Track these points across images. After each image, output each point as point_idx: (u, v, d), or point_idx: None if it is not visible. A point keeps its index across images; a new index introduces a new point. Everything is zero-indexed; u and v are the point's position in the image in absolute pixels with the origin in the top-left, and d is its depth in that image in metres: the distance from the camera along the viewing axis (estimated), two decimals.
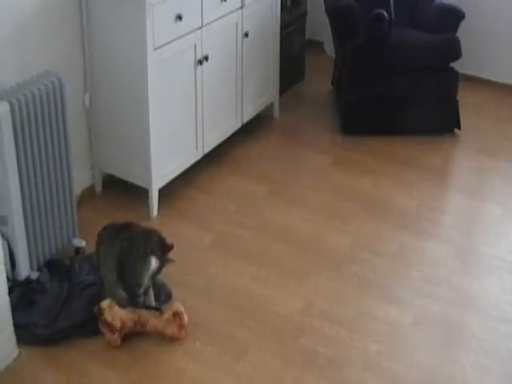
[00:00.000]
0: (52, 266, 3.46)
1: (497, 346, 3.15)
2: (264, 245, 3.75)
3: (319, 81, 5.51)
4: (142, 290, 3.16)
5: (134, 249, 3.13)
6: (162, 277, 3.36)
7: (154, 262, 3.14)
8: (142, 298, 3.18)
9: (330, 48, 5.67)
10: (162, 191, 3.96)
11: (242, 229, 3.86)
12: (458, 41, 4.63)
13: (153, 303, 3.22)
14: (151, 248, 3.13)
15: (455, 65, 4.71)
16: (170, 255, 3.16)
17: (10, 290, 3.08)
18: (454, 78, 4.70)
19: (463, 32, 4.81)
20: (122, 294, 3.16)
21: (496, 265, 3.65)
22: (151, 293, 3.22)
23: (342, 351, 3.11)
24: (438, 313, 3.33)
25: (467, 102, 5.05)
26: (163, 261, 3.15)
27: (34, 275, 3.38)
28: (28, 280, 3.36)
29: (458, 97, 4.74)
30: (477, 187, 4.34)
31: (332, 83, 5.35)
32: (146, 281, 3.15)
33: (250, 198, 4.14)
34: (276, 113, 4.99)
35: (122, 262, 3.13)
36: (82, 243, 3.57)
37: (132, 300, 3.15)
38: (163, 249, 3.15)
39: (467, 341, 3.18)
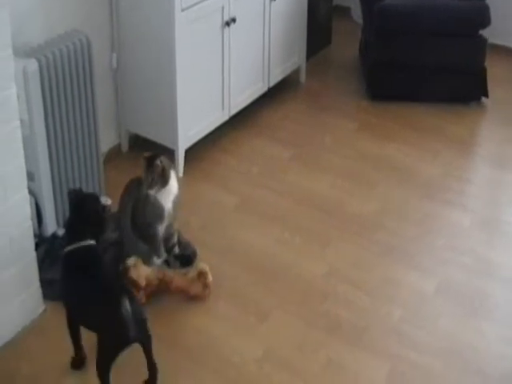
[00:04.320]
0: None
1: None
2: (288, 208, 3.75)
3: (346, 47, 5.45)
4: (155, 232, 3.17)
5: (140, 192, 3.14)
6: (186, 237, 3.38)
7: (161, 198, 3.12)
8: (161, 248, 3.20)
9: (357, 14, 5.61)
10: (187, 152, 3.96)
11: (266, 192, 3.86)
12: (487, 8, 4.55)
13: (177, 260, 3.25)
14: (150, 184, 3.09)
15: (484, 32, 4.64)
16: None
17: (37, 246, 3.10)
18: (482, 45, 4.63)
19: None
20: (142, 246, 3.18)
21: None
22: (176, 251, 3.24)
23: (365, 317, 3.12)
24: (462, 282, 3.32)
25: (494, 72, 4.97)
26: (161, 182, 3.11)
27: (61, 232, 3.40)
28: (54, 236, 3.39)
29: (486, 66, 4.68)
30: (502, 158, 4.29)
31: (359, 50, 5.29)
32: (163, 221, 3.16)
33: (274, 161, 4.13)
34: (302, 77, 4.95)
35: (133, 208, 3.17)
36: (108, 201, 3.58)
37: (152, 249, 3.17)
38: (162, 175, 3.12)
39: (491, 311, 3.18)
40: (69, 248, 2.76)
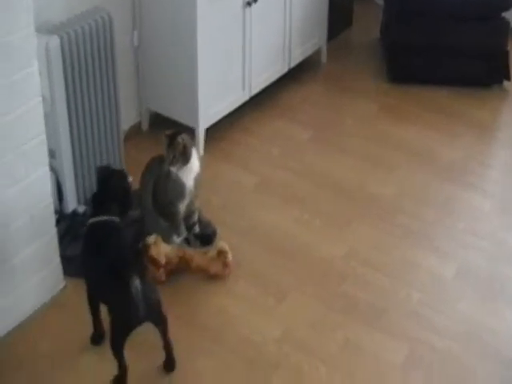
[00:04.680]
0: None
1: None
2: (307, 189, 3.74)
3: (367, 29, 5.39)
4: (176, 210, 3.17)
5: (161, 169, 3.15)
6: (206, 216, 3.38)
7: (182, 176, 3.12)
8: (182, 226, 3.20)
9: None
10: (207, 131, 3.96)
11: (286, 172, 3.85)
12: None
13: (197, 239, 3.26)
14: (171, 161, 3.10)
15: (506, 15, 4.58)
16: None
17: (57, 223, 3.12)
18: (504, 28, 4.57)
19: None
20: (163, 224, 3.18)
21: None
22: (197, 229, 3.25)
23: (383, 299, 3.12)
24: (482, 266, 3.30)
25: None
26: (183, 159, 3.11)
27: (81, 209, 3.42)
28: (75, 213, 3.41)
29: (508, 49, 4.62)
30: None
31: (380, 32, 5.25)
32: (184, 198, 3.16)
33: (294, 142, 4.11)
34: (323, 59, 4.92)
35: (154, 185, 3.18)
36: (129, 179, 3.58)
37: (172, 227, 3.18)
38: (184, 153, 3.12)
39: (510, 295, 3.16)
40: (92, 220, 2.78)
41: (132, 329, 2.58)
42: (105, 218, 2.77)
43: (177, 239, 3.21)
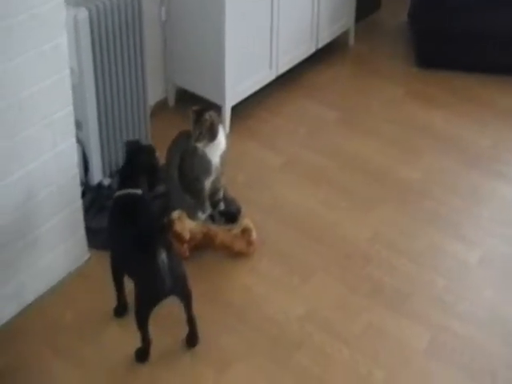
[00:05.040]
0: None
1: None
2: (333, 170, 3.71)
3: (395, 11, 5.32)
4: (202, 186, 3.15)
5: (188, 145, 3.13)
6: (232, 193, 3.37)
7: (208, 152, 3.10)
8: (206, 203, 3.19)
9: None
10: (234, 109, 3.93)
11: (312, 153, 3.82)
12: None
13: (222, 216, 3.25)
14: (198, 137, 3.07)
15: None
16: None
17: (82, 195, 3.11)
18: None
19: None
20: (188, 199, 3.17)
21: None
22: (222, 206, 3.23)
23: (408, 283, 3.09)
24: (508, 254, 3.27)
25: None
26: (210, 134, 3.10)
27: (106, 181, 3.41)
28: (100, 186, 3.40)
29: None
30: None
31: (408, 15, 5.18)
32: (210, 176, 3.15)
33: (321, 123, 4.08)
34: (351, 41, 4.87)
35: (181, 160, 3.17)
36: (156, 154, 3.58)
37: (197, 204, 3.16)
38: (211, 129, 3.10)
39: None
40: (118, 193, 2.77)
41: (157, 302, 2.57)
42: (132, 191, 2.76)
43: (201, 215, 3.20)
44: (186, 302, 2.65)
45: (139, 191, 2.76)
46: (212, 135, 3.09)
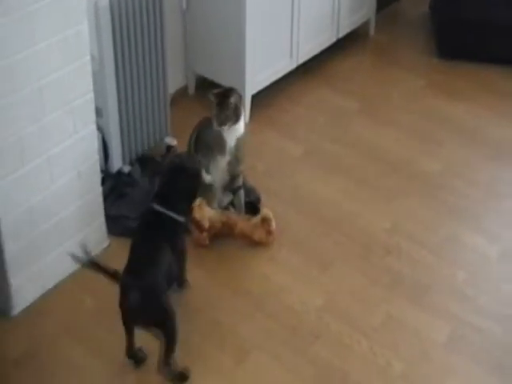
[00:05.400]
0: (143, 162, 3.48)
1: None
2: (354, 160, 3.69)
3: (416, 2, 5.27)
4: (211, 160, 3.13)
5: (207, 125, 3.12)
6: (251, 182, 3.35)
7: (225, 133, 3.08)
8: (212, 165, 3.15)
9: None
10: (254, 98, 3.92)
11: (331, 142, 3.80)
12: None
13: (242, 201, 3.23)
14: (223, 121, 3.04)
15: None
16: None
17: (102, 182, 3.10)
18: None
19: None
20: (206, 176, 3.14)
21: None
22: (241, 194, 3.22)
23: (428, 276, 3.07)
24: None
25: None
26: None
27: (126, 169, 3.41)
28: (120, 173, 3.39)
29: None
30: None
31: (429, 5, 5.14)
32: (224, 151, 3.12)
33: (341, 112, 4.06)
34: (371, 31, 4.83)
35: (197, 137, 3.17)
36: (174, 142, 3.57)
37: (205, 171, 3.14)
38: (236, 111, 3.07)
39: None
40: (156, 208, 2.69)
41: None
42: (174, 215, 2.69)
43: (207, 176, 3.13)
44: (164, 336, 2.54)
45: (182, 219, 2.71)
46: (236, 118, 3.07)
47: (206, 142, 3.14)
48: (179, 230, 2.73)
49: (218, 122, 3.04)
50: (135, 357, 2.66)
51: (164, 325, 2.51)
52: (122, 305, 2.50)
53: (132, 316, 2.51)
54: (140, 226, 2.73)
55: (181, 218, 2.70)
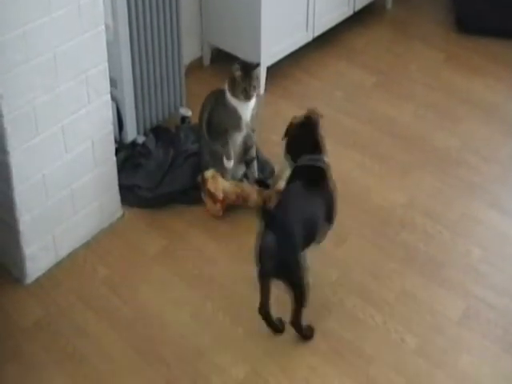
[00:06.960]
0: (158, 133, 3.46)
1: None
2: (369, 135, 3.65)
3: None
4: (227, 140, 3.10)
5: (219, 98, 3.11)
6: (265, 154, 3.33)
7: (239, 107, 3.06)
8: (230, 151, 3.12)
9: None
10: (269, 70, 3.88)
11: (347, 116, 3.76)
12: None
13: (255, 174, 3.21)
14: (248, 93, 3.03)
15: None
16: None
17: (116, 152, 3.09)
18: None
19: None
20: (219, 149, 3.12)
21: None
22: (255, 165, 3.19)
23: (443, 252, 3.04)
24: None
25: None
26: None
27: (140, 139, 3.39)
28: (134, 143, 3.38)
29: None
30: None
31: None
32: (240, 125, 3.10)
33: (357, 86, 4.01)
34: (389, 4, 4.76)
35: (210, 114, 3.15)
36: (189, 113, 3.55)
37: (223, 151, 3.11)
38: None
39: None
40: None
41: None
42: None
43: (227, 162, 3.12)
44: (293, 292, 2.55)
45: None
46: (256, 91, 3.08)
47: (219, 123, 3.11)
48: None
49: (244, 95, 3.01)
50: (267, 318, 2.63)
51: (295, 278, 2.52)
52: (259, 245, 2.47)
53: (266, 257, 2.46)
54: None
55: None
